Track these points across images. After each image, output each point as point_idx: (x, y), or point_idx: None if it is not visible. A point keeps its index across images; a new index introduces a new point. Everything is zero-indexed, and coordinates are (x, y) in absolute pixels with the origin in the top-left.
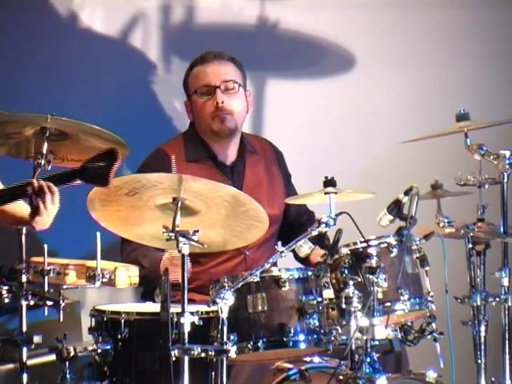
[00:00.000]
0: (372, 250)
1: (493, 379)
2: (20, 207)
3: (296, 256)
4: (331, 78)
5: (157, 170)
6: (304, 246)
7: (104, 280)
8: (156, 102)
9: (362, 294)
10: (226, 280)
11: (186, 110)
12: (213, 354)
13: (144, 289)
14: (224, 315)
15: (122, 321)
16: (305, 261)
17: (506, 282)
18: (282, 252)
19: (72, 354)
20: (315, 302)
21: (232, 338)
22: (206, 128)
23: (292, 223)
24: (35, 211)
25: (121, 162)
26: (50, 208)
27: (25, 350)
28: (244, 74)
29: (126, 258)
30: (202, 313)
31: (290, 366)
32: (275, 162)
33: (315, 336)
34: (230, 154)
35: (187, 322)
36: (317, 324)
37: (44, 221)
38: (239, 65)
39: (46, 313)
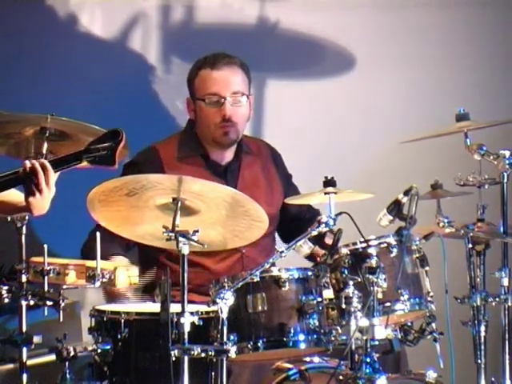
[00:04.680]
0: (372, 250)
1: (493, 379)
2: (14, 195)
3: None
4: (331, 78)
5: (144, 169)
6: (304, 246)
7: (104, 280)
8: (156, 102)
9: (361, 294)
10: (225, 280)
11: (188, 107)
12: (213, 354)
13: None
14: (224, 315)
15: (122, 321)
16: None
17: (505, 282)
18: (282, 252)
19: (72, 354)
20: (315, 302)
21: (232, 338)
22: (208, 135)
23: (294, 220)
24: (28, 192)
25: (126, 143)
26: (44, 188)
27: (25, 350)
28: (250, 79)
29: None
30: (201, 313)
31: (290, 366)
32: (272, 162)
33: (315, 336)
34: (227, 155)
35: (187, 322)
36: (317, 324)
37: (40, 205)
38: (247, 70)
39: (46, 313)
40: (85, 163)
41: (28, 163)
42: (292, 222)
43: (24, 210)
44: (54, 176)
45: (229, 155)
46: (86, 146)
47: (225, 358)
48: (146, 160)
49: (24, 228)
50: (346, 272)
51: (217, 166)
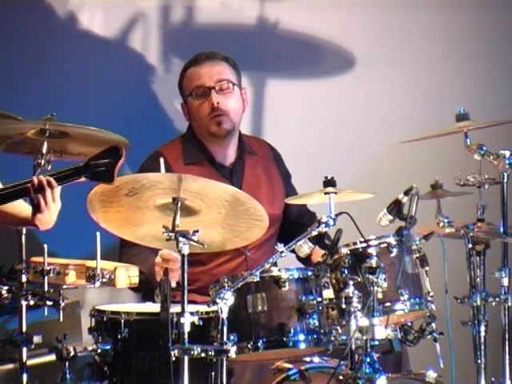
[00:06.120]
0: (372, 250)
1: (493, 379)
2: (22, 207)
3: (298, 256)
4: (331, 78)
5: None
6: (304, 246)
7: (104, 280)
8: (156, 102)
9: (361, 294)
10: (225, 280)
11: (183, 111)
12: (213, 354)
13: (143, 293)
14: (224, 315)
15: (122, 321)
16: (306, 260)
17: (505, 282)
18: (282, 252)
19: (72, 354)
20: (315, 302)
21: (232, 338)
22: (203, 130)
23: (293, 223)
24: (36, 208)
25: (124, 159)
26: (51, 205)
27: (25, 350)
28: (238, 73)
29: (124, 262)
30: (201, 313)
31: (289, 366)
32: (273, 162)
33: (315, 336)
34: (229, 154)
35: (187, 322)
36: (317, 324)
37: (46, 219)
38: (233, 63)
39: (46, 313)
40: (83, 179)
41: (35, 180)
42: (291, 225)
43: (30, 224)
44: (58, 191)
45: (231, 153)
46: (86, 162)
47: (225, 358)
48: (156, 166)
49: (24, 228)
50: (346, 272)
51: (222, 168)
